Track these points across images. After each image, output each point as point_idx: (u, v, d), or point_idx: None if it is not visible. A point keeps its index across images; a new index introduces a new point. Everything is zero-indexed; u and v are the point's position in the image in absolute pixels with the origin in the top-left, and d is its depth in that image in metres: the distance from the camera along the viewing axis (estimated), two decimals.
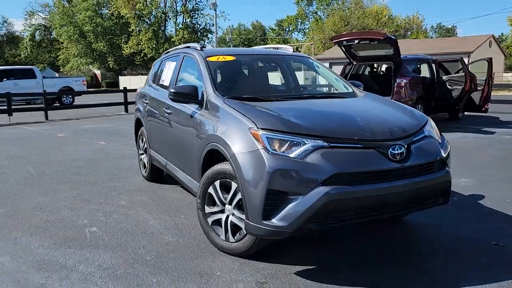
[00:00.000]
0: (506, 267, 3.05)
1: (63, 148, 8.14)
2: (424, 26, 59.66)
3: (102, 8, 53.62)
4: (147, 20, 48.13)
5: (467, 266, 3.07)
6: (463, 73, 10.26)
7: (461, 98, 10.35)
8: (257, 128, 2.91)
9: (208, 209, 3.34)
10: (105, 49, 51.63)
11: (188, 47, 4.63)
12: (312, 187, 2.69)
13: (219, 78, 3.91)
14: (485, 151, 7.45)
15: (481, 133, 9.46)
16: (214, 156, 3.35)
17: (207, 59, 4.05)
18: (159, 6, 47.11)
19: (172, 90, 3.74)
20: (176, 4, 47.76)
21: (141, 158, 5.66)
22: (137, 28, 47.35)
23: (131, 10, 45.58)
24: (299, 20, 69.06)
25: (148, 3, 46.15)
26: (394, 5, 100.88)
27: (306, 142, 2.80)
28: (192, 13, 47.60)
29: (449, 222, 3.94)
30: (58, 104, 18.75)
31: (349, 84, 4.31)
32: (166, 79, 4.85)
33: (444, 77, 10.63)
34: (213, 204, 3.30)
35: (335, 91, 4.33)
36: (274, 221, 2.76)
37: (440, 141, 3.29)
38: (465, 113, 11.98)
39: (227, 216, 3.20)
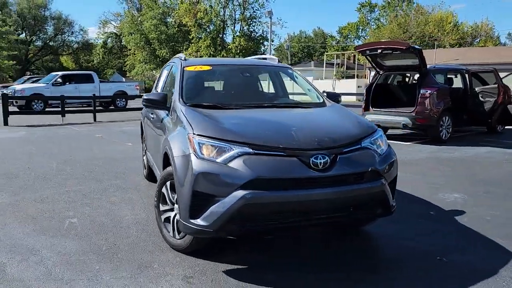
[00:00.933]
0: (434, 282, 3.03)
1: (93, 147, 8.85)
2: (497, 33, 56.34)
3: (167, 17, 56.32)
4: (207, 28, 49.84)
5: (397, 278, 3.09)
6: (496, 85, 9.75)
7: (494, 111, 9.83)
8: (193, 134, 3.16)
9: (162, 207, 3.62)
10: (168, 55, 54.11)
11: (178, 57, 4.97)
12: (231, 190, 2.88)
13: (189, 86, 4.19)
14: (501, 167, 7.07)
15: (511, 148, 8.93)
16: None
17: (184, 69, 4.37)
18: (219, 14, 48.61)
19: (144, 97, 4.09)
20: (235, 12, 49.09)
21: (143, 159, 6.09)
22: (197, 36, 49.13)
23: (192, 19, 47.42)
24: (360, 27, 67.94)
25: (208, 12, 47.80)
26: (464, 11, 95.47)
27: (233, 148, 3.00)
28: (250, 21, 48.59)
29: (409, 234, 3.92)
30: (113, 107, 20.08)
31: (321, 95, 4.41)
32: (159, 86, 5.24)
33: (477, 89, 10.16)
34: (166, 203, 3.58)
35: (307, 101, 4.46)
36: (199, 220, 2.98)
37: (381, 153, 3.32)
38: (506, 127, 11.31)
39: (175, 214, 3.46)
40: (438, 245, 3.68)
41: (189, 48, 49.46)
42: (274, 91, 4.73)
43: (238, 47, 45.49)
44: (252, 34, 49.32)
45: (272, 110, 3.91)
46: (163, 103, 4.01)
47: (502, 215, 4.49)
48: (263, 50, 50.15)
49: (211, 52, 47.00)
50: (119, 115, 16.51)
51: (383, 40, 12.03)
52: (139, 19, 57.12)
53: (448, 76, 10.17)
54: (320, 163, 2.97)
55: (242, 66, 4.90)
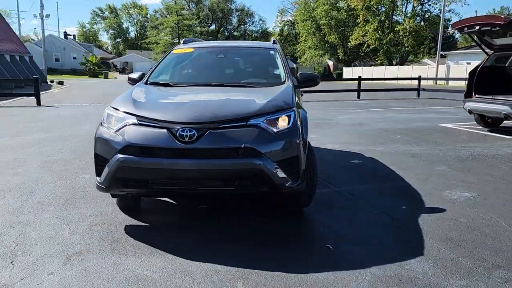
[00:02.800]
0: (300, 265, 2.95)
1: None
2: None
3: (339, 2, 56.23)
4: (376, 11, 47.91)
5: (280, 258, 3.09)
6: None
7: None
8: (109, 106, 3.71)
9: None
10: (336, 41, 54.25)
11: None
12: (113, 154, 3.35)
13: (162, 67, 4.71)
14: None
15: None
16: None
17: (171, 51, 4.91)
18: None
19: (128, 76, 4.78)
20: None
21: None
22: (365, 19, 47.76)
23: (360, 2, 46.22)
24: None
25: None
26: None
27: (126, 119, 3.45)
28: (423, 0, 44.69)
29: (338, 224, 3.71)
30: None
31: (287, 76, 4.37)
32: None
33: None
34: None
35: (271, 81, 4.48)
36: (99, 178, 3.54)
37: (274, 132, 3.27)
38: None
39: None
40: (349, 236, 3.43)
41: (354, 33, 48.51)
42: (243, 71, 4.84)
43: (406, 30, 42.50)
44: (426, 14, 45.39)
45: (207, 89, 4.13)
46: (138, 81, 4.63)
47: (489, 219, 3.76)
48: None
49: (378, 36, 45.16)
50: None
51: (482, 15, 9.64)
52: (312, 6, 58.53)
53: None
54: (186, 135, 3.18)
55: (222, 48, 5.16)
